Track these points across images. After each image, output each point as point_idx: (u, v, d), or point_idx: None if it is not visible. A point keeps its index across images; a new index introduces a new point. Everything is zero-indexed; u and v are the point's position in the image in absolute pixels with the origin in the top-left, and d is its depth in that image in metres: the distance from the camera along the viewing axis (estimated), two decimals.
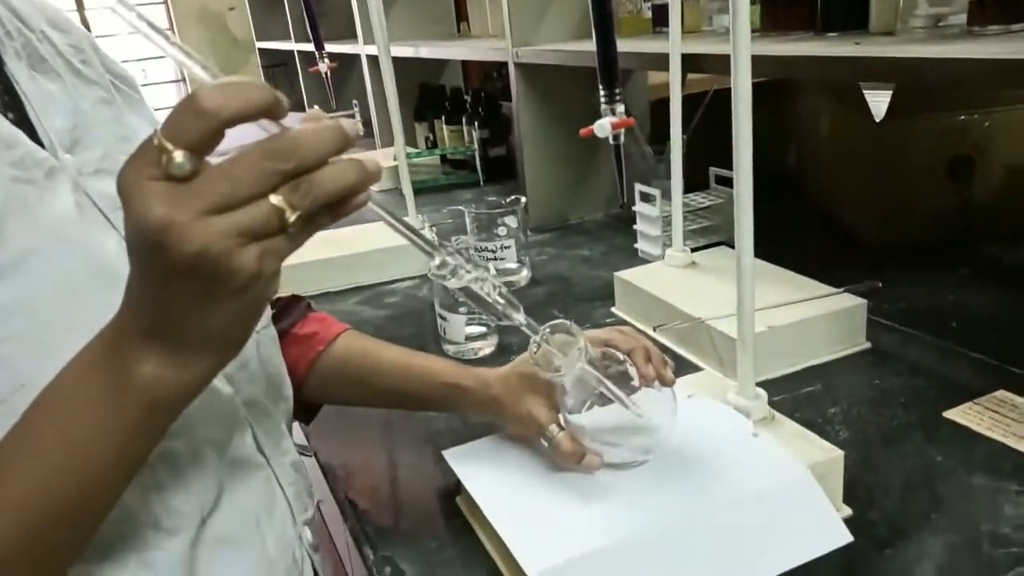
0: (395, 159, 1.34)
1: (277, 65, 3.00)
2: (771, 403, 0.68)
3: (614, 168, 0.95)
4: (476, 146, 1.86)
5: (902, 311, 0.96)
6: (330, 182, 0.36)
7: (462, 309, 0.97)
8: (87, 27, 0.57)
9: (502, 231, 1.16)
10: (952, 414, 0.75)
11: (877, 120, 1.14)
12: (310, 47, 1.88)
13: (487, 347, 0.99)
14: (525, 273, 1.21)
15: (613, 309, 1.06)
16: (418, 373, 0.70)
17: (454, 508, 0.69)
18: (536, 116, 1.45)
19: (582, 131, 0.90)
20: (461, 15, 2.11)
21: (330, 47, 1.87)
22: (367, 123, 2.24)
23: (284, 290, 0.75)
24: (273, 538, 0.53)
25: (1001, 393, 0.77)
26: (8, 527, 0.38)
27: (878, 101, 1.15)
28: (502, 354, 0.98)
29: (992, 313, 0.95)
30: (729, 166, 0.63)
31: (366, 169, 0.38)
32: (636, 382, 0.60)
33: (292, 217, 0.36)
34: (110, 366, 0.38)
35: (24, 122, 0.46)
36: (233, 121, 0.34)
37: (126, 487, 0.42)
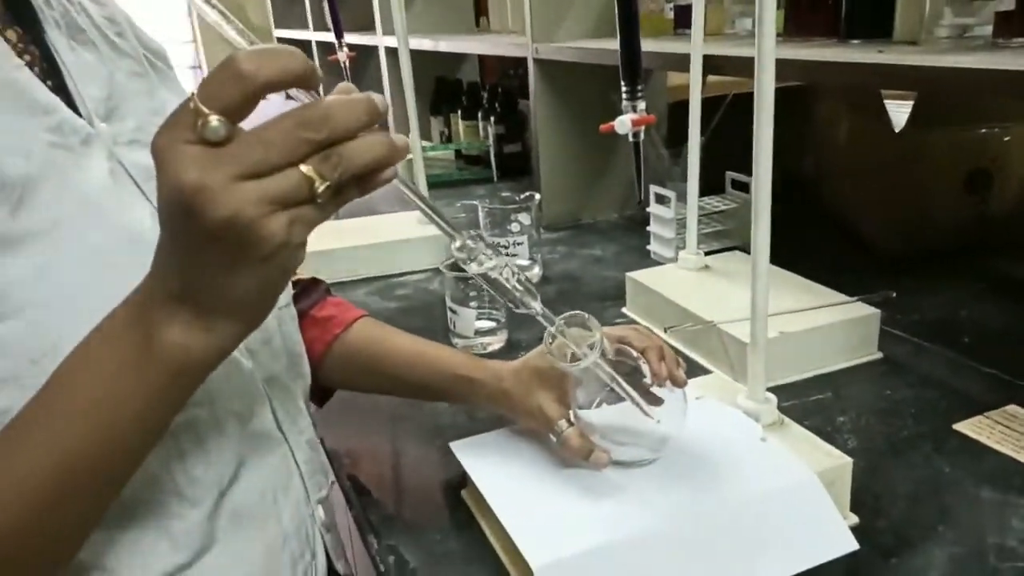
0: (409, 152, 1.34)
1: None
2: (780, 408, 0.68)
3: (632, 166, 0.94)
4: (491, 142, 1.86)
5: (915, 322, 0.96)
6: (360, 154, 0.37)
7: (472, 303, 0.97)
8: None
9: (515, 227, 1.16)
10: (962, 426, 0.74)
11: (897, 130, 1.13)
12: (328, 37, 1.88)
13: (496, 342, 0.99)
14: (536, 271, 1.20)
15: (624, 310, 1.06)
16: (431, 363, 0.70)
17: (459, 501, 0.69)
18: (553, 114, 1.45)
19: (602, 127, 0.90)
20: (480, 10, 2.11)
21: (348, 38, 1.87)
22: None
23: (300, 274, 0.76)
24: (288, 514, 0.54)
25: (1012, 408, 0.77)
26: (37, 486, 0.38)
27: (899, 111, 1.15)
28: (511, 349, 0.98)
29: (1005, 327, 0.95)
30: (745, 170, 0.63)
31: (395, 144, 0.38)
32: (648, 379, 0.59)
33: (321, 187, 0.36)
34: (137, 331, 0.39)
35: (62, 90, 0.47)
36: (268, 87, 0.35)
37: (149, 451, 0.42)
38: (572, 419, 0.62)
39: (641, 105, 0.90)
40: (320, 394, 0.74)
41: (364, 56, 2.24)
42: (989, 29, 0.82)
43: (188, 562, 0.47)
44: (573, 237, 1.44)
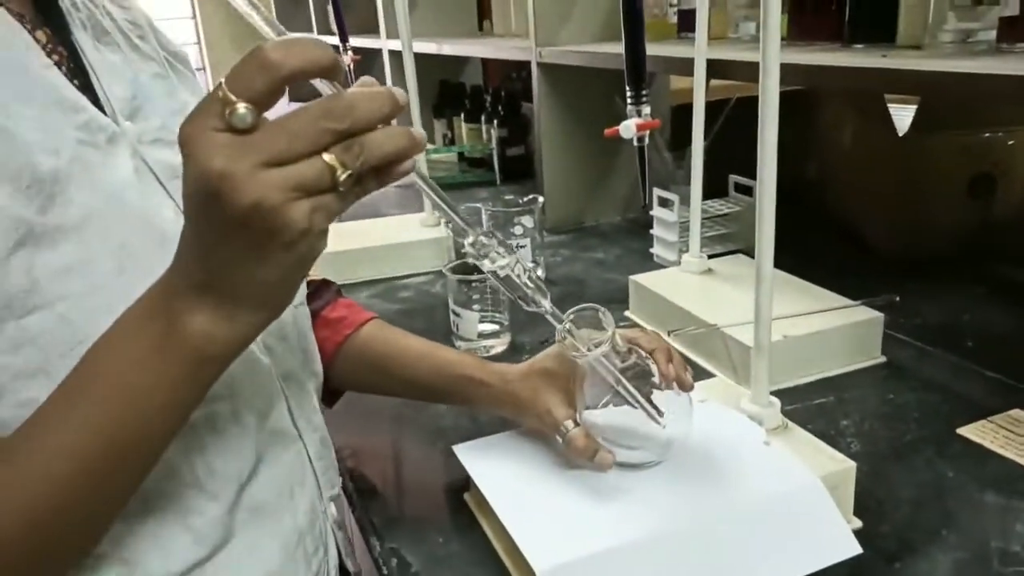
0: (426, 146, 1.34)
1: None
2: (784, 412, 0.68)
3: (637, 170, 0.95)
4: (494, 145, 1.87)
5: (918, 326, 0.96)
6: (381, 145, 0.38)
7: (475, 306, 0.98)
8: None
9: (518, 230, 1.16)
10: (965, 431, 0.74)
11: (900, 134, 1.13)
12: (332, 40, 1.89)
13: (499, 345, 0.99)
14: (540, 274, 1.21)
15: (627, 313, 1.06)
16: (438, 365, 0.71)
17: (462, 504, 0.69)
18: (556, 117, 1.45)
19: (607, 131, 0.90)
20: (484, 13, 2.11)
21: (352, 41, 1.87)
22: None
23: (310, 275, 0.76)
24: (303, 510, 0.54)
25: (1015, 412, 0.77)
26: (62, 473, 0.39)
27: (902, 115, 1.15)
28: (514, 352, 0.98)
29: (1008, 332, 0.95)
30: (748, 174, 0.63)
31: (414, 137, 0.39)
32: (656, 379, 0.60)
33: (343, 175, 0.37)
34: (161, 319, 0.39)
35: (88, 90, 0.48)
36: (294, 76, 0.36)
37: (173, 437, 0.43)
38: (578, 420, 0.62)
39: (646, 109, 0.90)
40: (329, 395, 0.74)
41: (368, 59, 2.24)
42: (993, 34, 0.82)
43: (207, 556, 0.47)
44: (576, 240, 1.44)
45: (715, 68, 0.96)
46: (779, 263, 0.66)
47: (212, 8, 4.37)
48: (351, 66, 1.81)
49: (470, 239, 0.51)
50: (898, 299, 0.94)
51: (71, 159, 0.44)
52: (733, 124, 1.17)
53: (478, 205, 1.28)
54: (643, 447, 0.62)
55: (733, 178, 1.29)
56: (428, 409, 0.83)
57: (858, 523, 0.63)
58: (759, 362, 0.67)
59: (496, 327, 0.99)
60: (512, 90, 1.94)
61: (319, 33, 2.63)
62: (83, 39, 0.50)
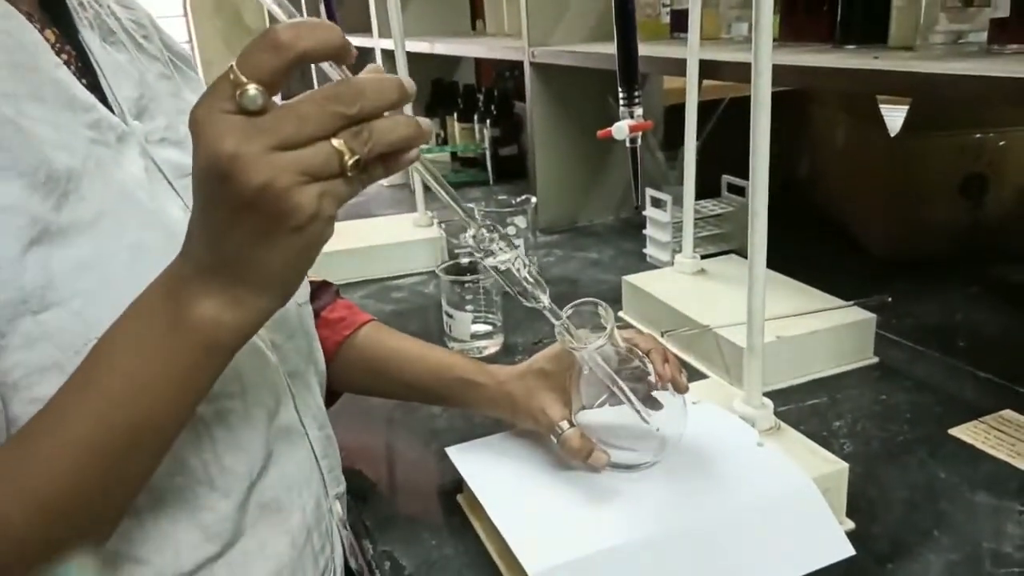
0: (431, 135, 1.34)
1: None
2: (777, 413, 0.68)
3: (630, 171, 0.95)
4: (487, 145, 1.86)
5: (911, 327, 0.96)
6: (388, 132, 0.38)
7: (468, 307, 0.97)
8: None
9: (511, 231, 1.16)
10: (957, 431, 0.75)
11: (892, 135, 1.14)
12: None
13: (493, 346, 0.99)
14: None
15: (620, 313, 1.06)
16: (433, 367, 0.71)
17: (455, 506, 0.69)
18: (549, 117, 1.45)
19: (600, 132, 0.90)
20: (477, 13, 2.11)
21: None
22: None
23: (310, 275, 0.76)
24: (311, 508, 0.55)
25: (1007, 413, 0.77)
26: (73, 462, 0.39)
27: (894, 116, 1.15)
28: (507, 353, 0.98)
29: (1000, 332, 0.95)
30: (741, 174, 0.63)
31: (420, 126, 0.40)
32: (652, 378, 0.60)
33: (351, 160, 0.37)
34: (169, 307, 0.40)
35: (96, 89, 0.48)
36: (305, 57, 0.36)
37: (185, 424, 0.43)
38: (573, 421, 0.62)
39: (639, 111, 0.90)
40: (327, 397, 0.74)
41: (361, 58, 2.23)
42: (984, 36, 0.82)
43: (218, 553, 0.48)
44: (569, 240, 1.44)
45: (707, 69, 0.96)
46: (772, 264, 0.66)
47: (206, 14, 4.35)
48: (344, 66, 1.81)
49: (471, 231, 0.51)
50: (890, 299, 0.94)
51: (84, 157, 0.44)
52: (726, 124, 1.18)
53: (471, 205, 1.27)
54: (637, 448, 0.62)
55: (726, 178, 1.29)
56: (421, 410, 0.83)
57: (851, 524, 0.63)
58: (752, 363, 0.67)
59: (489, 328, 0.99)
60: (505, 90, 1.94)
61: None
62: (90, 39, 0.50)
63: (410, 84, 0.39)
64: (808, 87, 1.32)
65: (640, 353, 0.61)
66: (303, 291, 0.62)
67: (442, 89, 2.15)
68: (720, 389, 0.78)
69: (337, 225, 0.40)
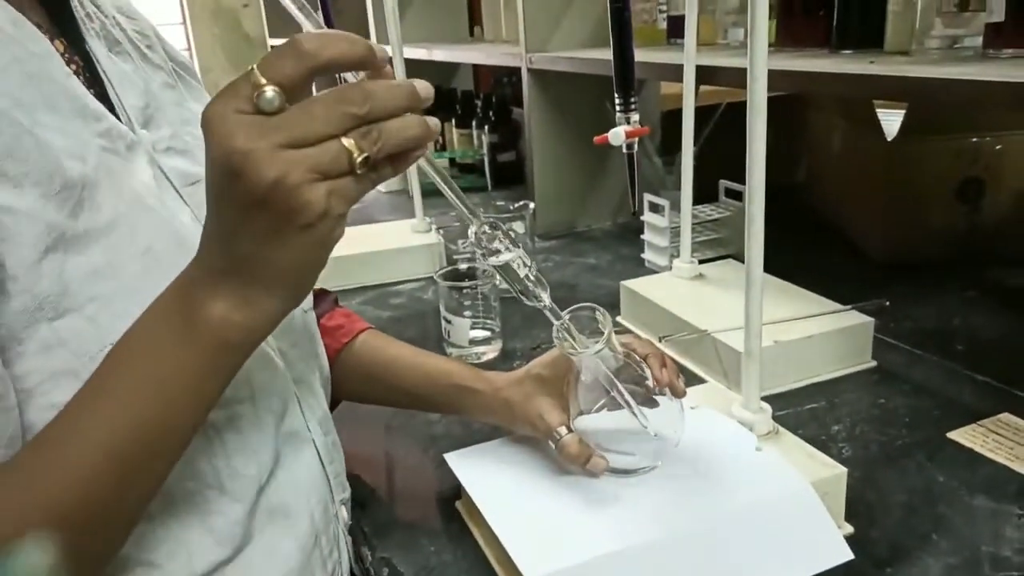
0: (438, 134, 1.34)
1: None
2: (775, 418, 0.68)
3: (627, 177, 0.95)
4: (485, 151, 1.87)
5: (909, 330, 0.96)
6: (398, 132, 0.39)
7: (467, 313, 0.97)
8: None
9: None
10: (956, 435, 0.75)
11: (889, 139, 1.14)
12: None
13: (491, 352, 0.99)
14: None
15: (619, 318, 1.06)
16: (430, 374, 0.71)
17: (454, 512, 0.69)
18: (547, 123, 1.45)
19: (596, 138, 0.90)
20: (475, 19, 2.12)
21: None
22: None
23: None
24: (319, 512, 0.55)
25: (1005, 416, 0.77)
26: (89, 467, 0.39)
27: (891, 120, 1.15)
28: (506, 359, 0.98)
29: (998, 336, 0.95)
30: (738, 179, 0.63)
31: (428, 126, 0.40)
32: (650, 382, 0.60)
33: (360, 158, 0.38)
34: (181, 309, 0.40)
35: (103, 98, 0.49)
36: (327, 66, 0.37)
37: (199, 426, 0.43)
38: (571, 426, 0.62)
39: (635, 117, 0.90)
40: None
41: None
42: (979, 40, 0.82)
43: (229, 557, 0.48)
44: (567, 245, 1.44)
45: (704, 74, 0.96)
46: (769, 268, 0.66)
47: (204, 21, 4.36)
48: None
49: (473, 228, 0.52)
50: (888, 303, 0.94)
51: (96, 165, 0.44)
52: (723, 129, 1.18)
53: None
54: (636, 453, 0.62)
55: (723, 183, 1.30)
56: (420, 417, 0.83)
57: (849, 528, 0.63)
58: (750, 367, 0.67)
59: (488, 334, 0.99)
60: (503, 96, 1.94)
61: None
62: (98, 48, 0.51)
63: (424, 89, 0.40)
64: (804, 92, 1.33)
65: (637, 358, 0.61)
66: (307, 297, 0.62)
67: (440, 95, 2.15)
68: (718, 394, 0.78)
69: None
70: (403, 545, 0.66)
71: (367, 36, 1.70)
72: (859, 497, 0.66)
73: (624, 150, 0.92)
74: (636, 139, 0.91)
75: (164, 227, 0.47)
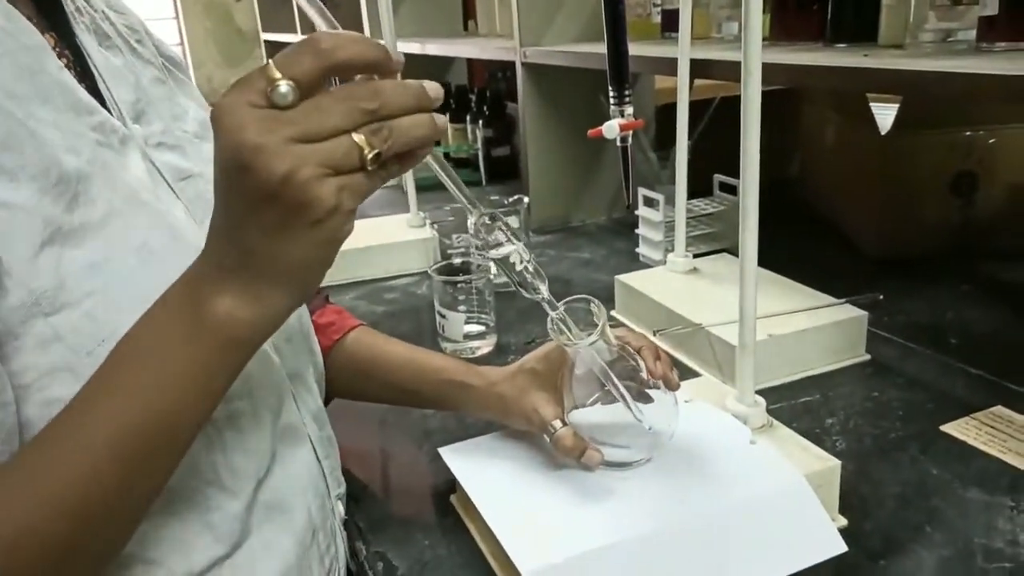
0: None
1: None
2: (769, 411, 0.68)
3: (620, 171, 0.95)
4: (479, 145, 1.86)
5: (902, 324, 0.97)
6: (408, 130, 0.39)
7: (461, 307, 0.97)
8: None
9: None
10: (949, 428, 0.75)
11: (882, 133, 1.14)
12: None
13: (485, 346, 0.99)
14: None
15: (613, 312, 1.06)
16: (423, 370, 0.71)
17: (448, 506, 0.69)
18: (541, 117, 1.45)
19: (590, 132, 0.90)
20: (469, 13, 2.11)
21: None
22: None
23: None
24: (315, 508, 0.55)
25: (999, 409, 0.77)
26: (94, 462, 0.39)
27: (884, 114, 1.15)
28: (500, 353, 0.98)
29: (992, 329, 0.96)
30: (732, 173, 0.63)
31: (437, 124, 0.41)
32: (644, 375, 0.60)
33: (371, 154, 0.38)
34: (189, 305, 0.40)
35: (94, 93, 0.48)
36: (343, 66, 0.37)
37: (206, 422, 0.43)
38: (565, 420, 0.62)
39: (629, 110, 0.90)
40: None
41: None
42: (973, 34, 0.83)
43: (227, 553, 0.48)
44: (562, 240, 1.44)
45: (698, 68, 0.96)
46: (763, 262, 0.66)
47: (196, 15, 4.34)
48: None
49: (473, 218, 0.52)
50: (882, 297, 0.94)
51: (90, 159, 0.44)
52: (717, 124, 1.18)
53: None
54: (630, 446, 0.62)
55: (718, 177, 1.30)
56: (414, 411, 0.83)
57: (843, 521, 0.63)
58: (744, 361, 0.67)
59: (482, 328, 0.99)
60: (497, 90, 1.94)
61: (303, 33, 2.62)
62: (88, 43, 0.50)
63: (434, 89, 0.40)
64: (799, 86, 1.33)
65: (632, 351, 0.61)
66: None
67: None
68: (713, 387, 0.78)
69: None
70: (398, 539, 0.66)
71: (361, 31, 1.70)
72: (853, 490, 0.66)
73: (618, 143, 0.92)
74: (630, 132, 0.91)
75: (159, 221, 0.47)
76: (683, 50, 0.94)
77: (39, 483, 0.38)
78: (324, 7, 0.44)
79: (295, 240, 0.38)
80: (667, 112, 1.13)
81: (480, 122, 1.85)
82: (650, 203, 1.23)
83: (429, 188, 1.83)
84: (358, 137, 0.37)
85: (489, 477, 0.64)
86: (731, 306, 0.68)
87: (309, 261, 0.40)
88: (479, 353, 0.98)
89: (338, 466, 0.62)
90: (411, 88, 0.39)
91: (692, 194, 1.07)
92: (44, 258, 0.41)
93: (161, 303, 0.41)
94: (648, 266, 1.22)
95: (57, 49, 0.47)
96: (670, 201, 1.10)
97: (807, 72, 0.84)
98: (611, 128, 0.89)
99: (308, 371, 0.60)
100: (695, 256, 1.06)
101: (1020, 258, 1.14)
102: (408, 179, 1.33)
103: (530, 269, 0.54)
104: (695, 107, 1.00)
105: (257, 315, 0.40)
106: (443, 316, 0.98)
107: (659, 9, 1.36)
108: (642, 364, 0.60)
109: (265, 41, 3.07)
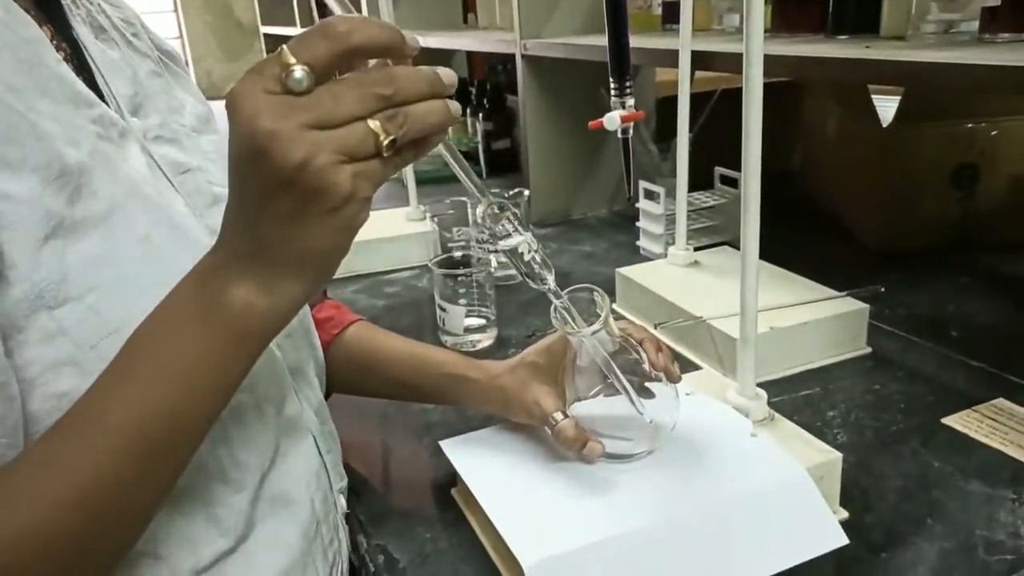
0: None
1: None
2: (770, 404, 0.68)
3: (622, 162, 0.94)
4: (480, 138, 1.86)
5: (903, 317, 0.96)
6: (423, 117, 0.39)
7: (462, 301, 0.97)
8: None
9: (504, 224, 1.15)
10: (950, 420, 0.75)
11: (884, 125, 1.14)
12: None
13: (486, 339, 0.99)
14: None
15: (614, 306, 1.06)
16: (423, 364, 0.71)
17: (449, 499, 0.69)
18: (542, 110, 1.45)
19: (591, 123, 0.90)
20: (468, 6, 2.11)
21: None
22: None
23: None
24: (319, 501, 0.55)
25: (1000, 401, 0.77)
26: (108, 455, 0.39)
27: (886, 106, 1.15)
28: (501, 347, 0.98)
29: (993, 322, 0.95)
30: (733, 166, 0.63)
31: (451, 111, 0.40)
32: (646, 367, 0.60)
33: (386, 141, 0.37)
34: (202, 295, 0.40)
35: (92, 86, 0.48)
36: (359, 49, 0.37)
37: (221, 412, 0.43)
38: (567, 412, 0.62)
39: (630, 101, 0.90)
40: None
41: None
42: (975, 25, 0.82)
43: (232, 547, 0.48)
44: (563, 233, 1.43)
45: (699, 60, 0.96)
46: (764, 255, 0.66)
47: (195, 8, 4.33)
48: None
49: (482, 207, 0.52)
50: (883, 290, 0.94)
51: (91, 152, 0.44)
52: (718, 116, 1.17)
53: (463, 199, 1.27)
54: (632, 438, 0.62)
55: (719, 170, 1.29)
56: (414, 405, 0.83)
57: (844, 514, 0.63)
58: (745, 354, 0.67)
59: (483, 321, 0.99)
60: (497, 83, 1.93)
61: (303, 26, 2.61)
62: (85, 35, 0.50)
63: (448, 75, 0.40)
64: (800, 77, 1.32)
65: (634, 343, 0.61)
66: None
67: None
68: (714, 380, 0.78)
69: None
70: (399, 533, 0.66)
71: None
72: (854, 482, 0.66)
73: (619, 135, 0.92)
74: (631, 124, 0.91)
75: (160, 214, 0.47)
76: (684, 42, 0.93)
77: (56, 472, 0.38)
78: None
79: (311, 228, 0.37)
80: (668, 104, 1.13)
81: (480, 115, 1.85)
82: (651, 196, 1.23)
83: (429, 181, 1.83)
84: (373, 123, 0.37)
85: (490, 470, 0.64)
86: (732, 299, 0.68)
87: (325, 249, 0.39)
88: (480, 347, 0.98)
89: (340, 460, 0.62)
90: (425, 74, 0.39)
91: (693, 187, 1.06)
92: (47, 251, 0.40)
93: (175, 293, 0.41)
94: (649, 259, 1.22)
95: (54, 42, 0.47)
96: (671, 194, 1.10)
97: (809, 64, 0.84)
98: (612, 120, 0.89)
99: (309, 365, 0.60)
100: (696, 249, 1.06)
101: (1021, 250, 1.14)
102: (408, 172, 1.33)
103: (538, 259, 0.54)
104: (696, 99, 0.99)
105: (273, 304, 0.40)
106: (443, 310, 0.98)
107: (660, 1, 1.36)
108: (644, 356, 0.60)
109: (265, 34, 3.06)
